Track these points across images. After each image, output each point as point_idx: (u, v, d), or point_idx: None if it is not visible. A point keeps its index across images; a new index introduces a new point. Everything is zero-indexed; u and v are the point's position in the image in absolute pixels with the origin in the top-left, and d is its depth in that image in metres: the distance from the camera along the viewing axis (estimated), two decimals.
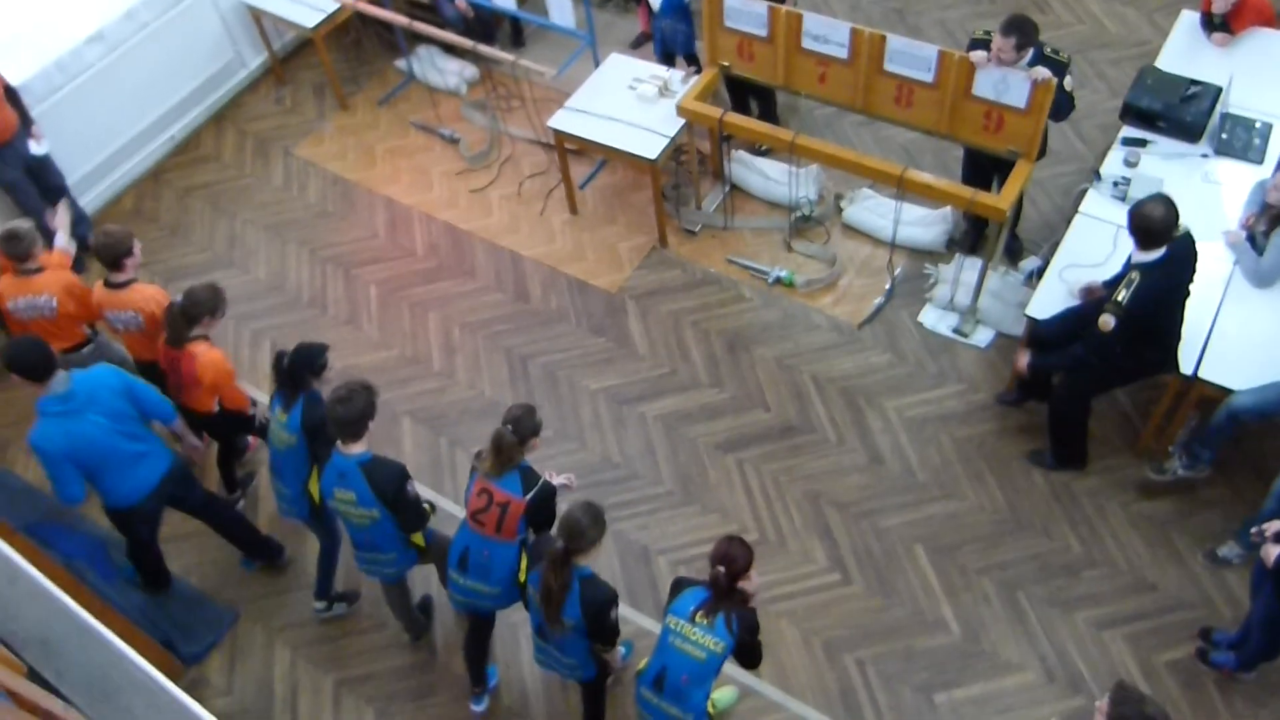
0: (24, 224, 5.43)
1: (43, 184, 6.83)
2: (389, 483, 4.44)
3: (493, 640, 5.08)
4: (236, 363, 6.67)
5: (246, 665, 5.46)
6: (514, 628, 5.36)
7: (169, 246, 7.47)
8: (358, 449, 4.42)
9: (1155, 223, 4.61)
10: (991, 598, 5.28)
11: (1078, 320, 5.13)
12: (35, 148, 6.68)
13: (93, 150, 7.61)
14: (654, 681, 4.13)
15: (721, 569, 3.96)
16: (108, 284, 5.40)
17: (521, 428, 4.33)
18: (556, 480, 4.57)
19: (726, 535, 4.08)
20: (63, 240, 5.83)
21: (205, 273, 7.17)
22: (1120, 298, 4.68)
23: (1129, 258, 4.86)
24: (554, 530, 4.20)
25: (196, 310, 5.05)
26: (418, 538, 4.77)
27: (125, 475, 4.97)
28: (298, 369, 4.77)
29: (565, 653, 4.36)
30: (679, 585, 4.18)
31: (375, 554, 4.77)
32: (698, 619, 4.00)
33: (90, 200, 7.60)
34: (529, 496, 4.34)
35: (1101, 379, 5.29)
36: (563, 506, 4.34)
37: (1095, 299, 5.06)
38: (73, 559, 5.64)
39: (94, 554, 5.80)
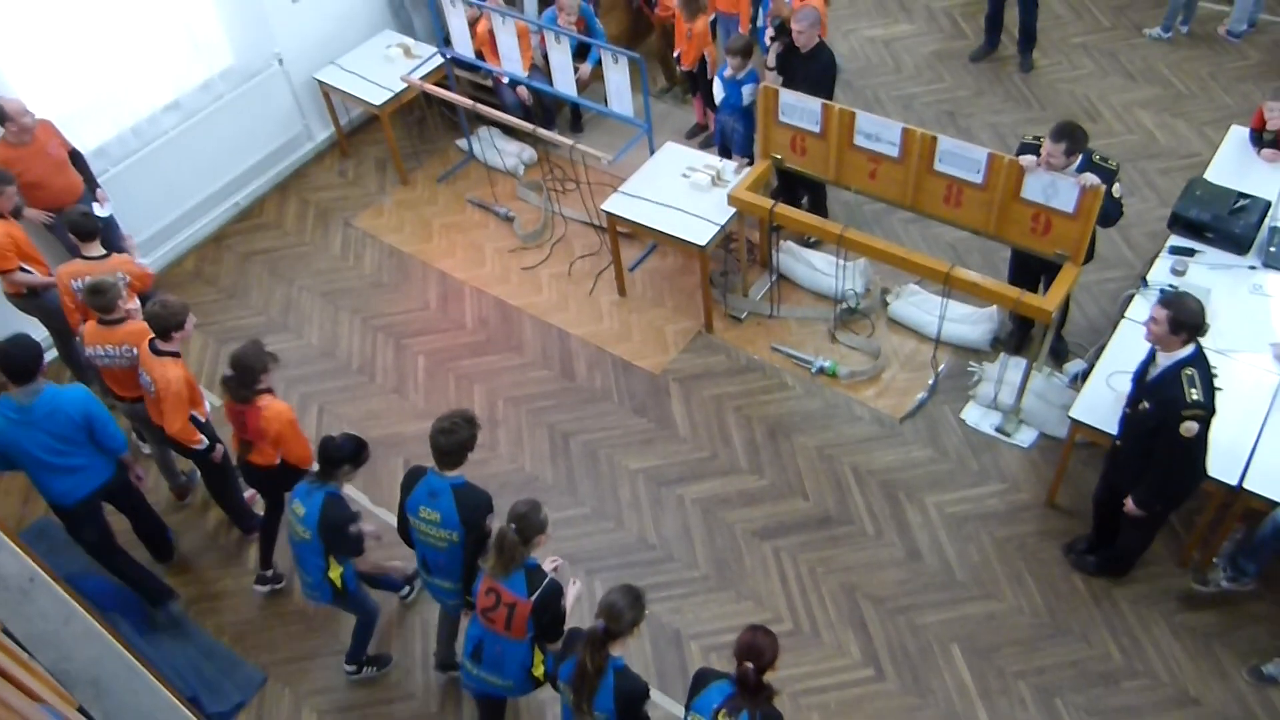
0: (109, 279, 5.60)
1: (104, 246, 7.03)
2: (476, 508, 4.60)
3: None
4: None
5: None
6: (541, 705, 5.32)
7: (225, 309, 7.66)
8: (453, 474, 4.59)
9: (1198, 316, 4.55)
10: (1029, 703, 5.18)
11: (1136, 441, 4.92)
12: (99, 210, 6.88)
13: (160, 213, 7.87)
14: None
15: (750, 665, 3.86)
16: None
17: (526, 525, 4.28)
18: (546, 566, 4.50)
19: (750, 625, 4.00)
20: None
21: (259, 336, 7.31)
22: (1195, 398, 4.52)
23: (1158, 369, 4.73)
24: (595, 613, 4.15)
25: (249, 375, 5.17)
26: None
27: (55, 481, 5.26)
28: (335, 461, 4.88)
29: None
30: (703, 678, 4.08)
31: (443, 580, 4.84)
32: (720, 717, 3.89)
33: (154, 261, 7.81)
34: (534, 597, 4.32)
35: (1189, 491, 5.08)
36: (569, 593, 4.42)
37: (1139, 416, 4.84)
38: (108, 611, 5.70)
39: (128, 607, 5.86)
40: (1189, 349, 4.62)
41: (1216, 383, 4.67)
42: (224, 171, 8.23)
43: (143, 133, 7.58)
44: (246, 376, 5.17)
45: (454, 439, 4.53)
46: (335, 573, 5.00)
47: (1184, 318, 4.54)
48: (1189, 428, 4.56)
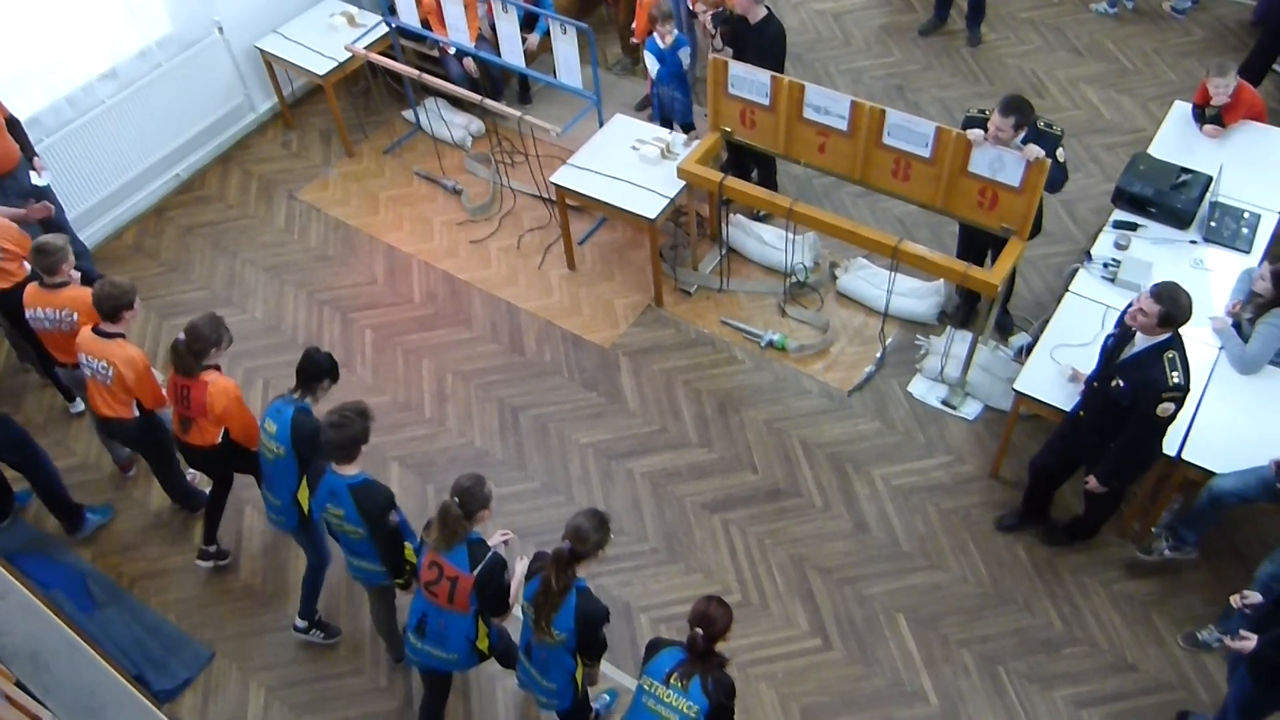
0: (57, 239, 5.52)
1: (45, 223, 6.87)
2: (374, 507, 4.52)
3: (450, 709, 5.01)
4: None
5: (220, 705, 5.40)
6: (491, 679, 5.33)
7: (168, 283, 7.52)
8: (351, 470, 4.51)
9: (1188, 312, 4.58)
10: (971, 670, 5.27)
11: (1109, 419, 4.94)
12: (36, 179, 6.71)
13: (98, 185, 7.69)
14: None
15: (700, 631, 3.92)
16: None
17: (469, 500, 4.25)
18: (496, 539, 4.50)
19: (706, 595, 4.05)
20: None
21: (202, 310, 7.19)
22: (1176, 381, 4.57)
23: (1135, 348, 4.75)
24: (562, 535, 4.15)
25: (202, 345, 5.08)
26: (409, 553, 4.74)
27: None
28: (313, 369, 4.89)
29: (548, 674, 4.33)
30: (655, 646, 4.14)
31: (365, 562, 4.81)
32: (672, 680, 3.95)
33: (92, 234, 7.66)
34: (477, 571, 4.31)
35: (1149, 466, 5.17)
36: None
37: (1110, 393, 4.83)
38: (50, 589, 5.62)
39: (72, 585, 5.79)
40: (1169, 332, 4.66)
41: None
42: (164, 143, 8.03)
43: (78, 102, 7.38)
44: (199, 347, 5.07)
45: (346, 433, 4.43)
46: (304, 494, 4.96)
47: (1175, 314, 4.57)
48: (1166, 409, 4.62)
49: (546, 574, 4.12)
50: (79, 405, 6.58)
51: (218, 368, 5.22)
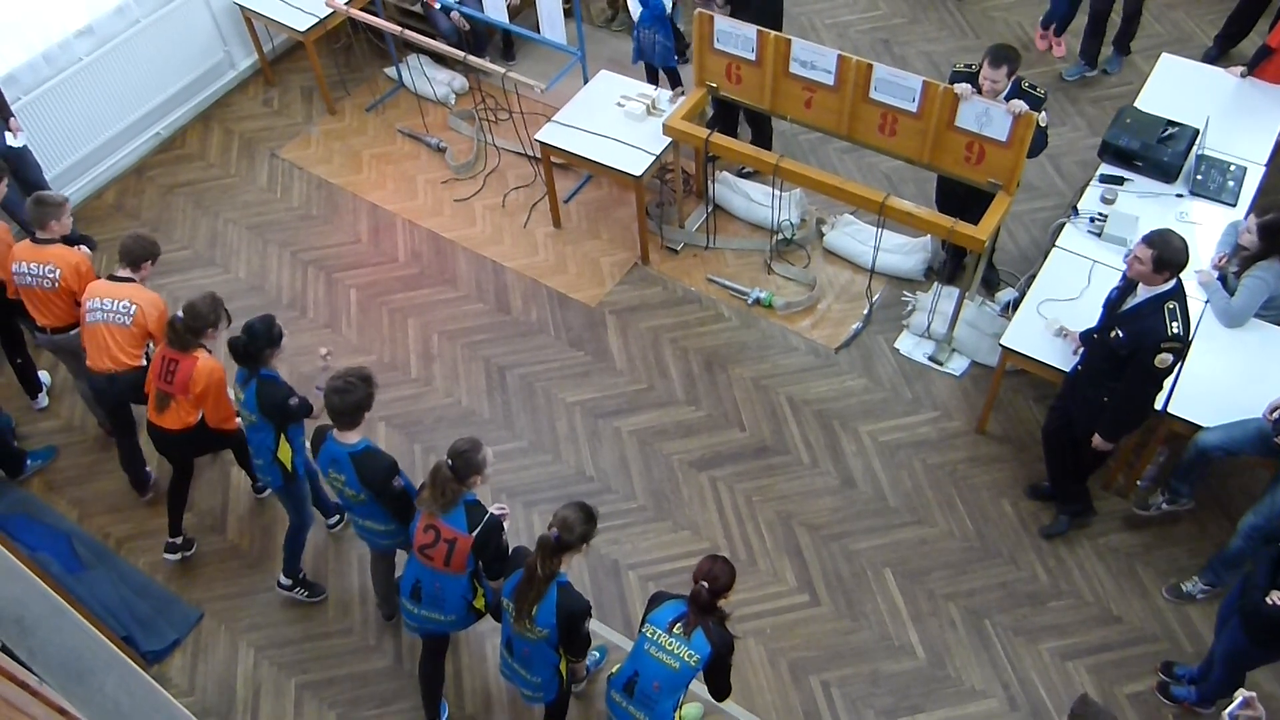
0: (57, 196, 5.61)
1: (20, 177, 6.77)
2: (376, 475, 4.52)
3: (445, 671, 5.04)
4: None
5: (209, 665, 5.41)
6: (481, 636, 5.35)
7: None
8: (353, 438, 4.51)
9: (1182, 254, 4.56)
10: (958, 624, 5.32)
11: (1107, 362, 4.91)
12: (12, 140, 6.62)
13: (77, 144, 7.58)
14: (624, 686, 4.17)
15: (705, 585, 3.98)
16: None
17: (463, 464, 4.25)
18: (494, 509, 4.49)
19: (711, 554, 4.13)
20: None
21: (185, 270, 7.16)
22: (1175, 331, 4.57)
23: (1137, 299, 4.73)
24: (548, 526, 4.16)
25: (200, 324, 5.05)
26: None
27: None
28: (255, 344, 4.83)
29: (531, 669, 4.34)
30: (659, 598, 4.20)
31: (370, 522, 4.80)
32: (675, 630, 4.03)
33: (72, 194, 7.54)
34: (475, 532, 4.31)
35: (1146, 417, 5.15)
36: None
37: (1109, 343, 4.80)
38: (36, 550, 5.61)
39: (57, 547, 5.78)
40: (1171, 283, 4.65)
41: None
42: (143, 101, 7.92)
43: (55, 59, 7.25)
44: (197, 325, 5.04)
45: (349, 399, 4.41)
46: (285, 453, 4.97)
47: (1169, 257, 4.54)
48: (1164, 359, 4.62)
49: (531, 560, 4.11)
50: (43, 400, 6.51)
51: (208, 349, 5.18)
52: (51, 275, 5.51)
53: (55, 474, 6.19)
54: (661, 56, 7.29)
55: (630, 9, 7.22)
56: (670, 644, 4.02)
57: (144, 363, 5.46)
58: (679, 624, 4.03)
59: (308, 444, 4.91)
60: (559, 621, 4.12)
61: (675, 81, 7.32)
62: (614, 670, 4.32)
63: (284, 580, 5.53)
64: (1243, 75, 6.63)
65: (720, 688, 4.21)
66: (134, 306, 5.33)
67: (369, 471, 4.51)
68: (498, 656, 5.25)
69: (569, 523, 4.07)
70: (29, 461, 6.15)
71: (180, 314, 5.06)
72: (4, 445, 6.05)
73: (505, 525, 4.51)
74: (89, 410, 6.30)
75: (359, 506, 4.71)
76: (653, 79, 7.56)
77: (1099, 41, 7.81)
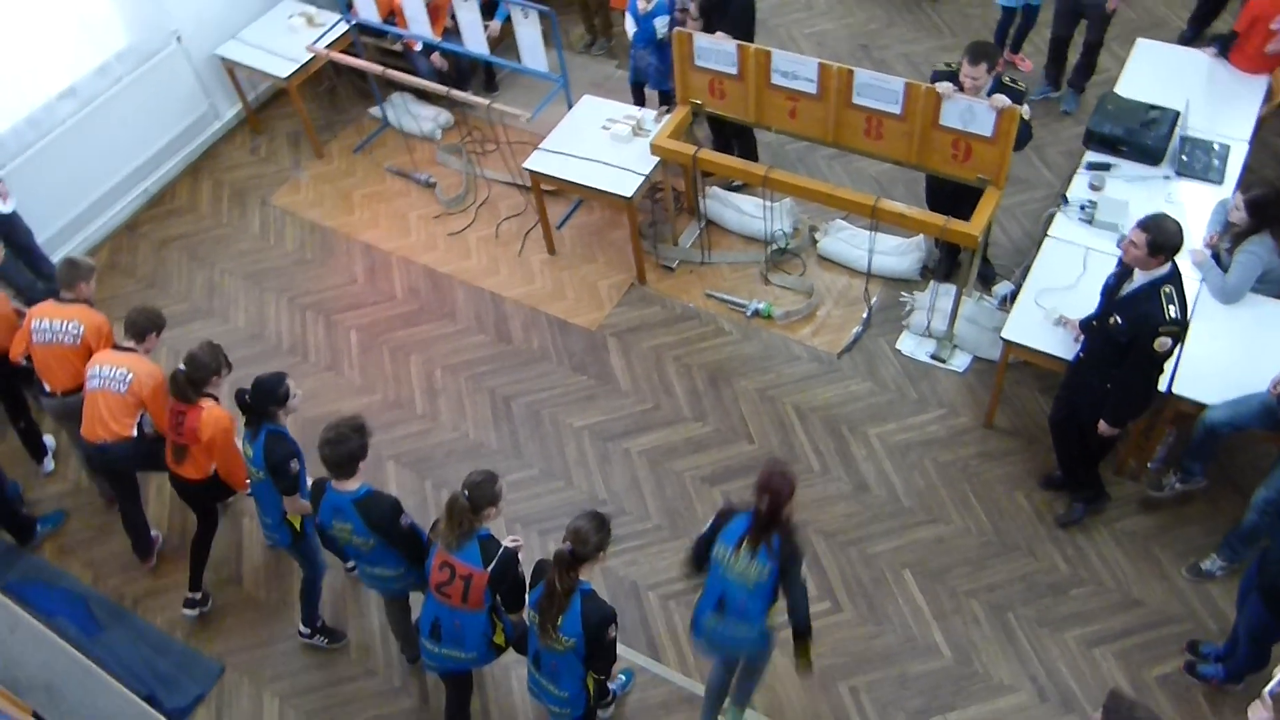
0: (89, 260, 5.71)
1: (11, 242, 6.76)
2: (382, 517, 4.49)
3: (471, 704, 5.01)
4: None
5: (234, 718, 5.38)
6: (505, 669, 5.33)
7: (146, 299, 7.41)
8: (352, 485, 4.47)
9: (1176, 238, 4.59)
10: (981, 620, 5.31)
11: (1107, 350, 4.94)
12: (1, 206, 6.63)
13: (67, 205, 7.61)
14: (716, 606, 4.31)
15: (766, 497, 4.05)
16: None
17: (478, 495, 4.24)
18: (507, 542, 4.47)
19: (770, 460, 4.24)
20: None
21: (185, 323, 7.16)
22: (1173, 315, 4.59)
23: (1134, 284, 4.75)
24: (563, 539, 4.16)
25: (202, 375, 5.05)
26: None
27: None
28: (260, 402, 4.82)
29: (559, 683, 4.32)
30: (727, 512, 4.29)
31: (379, 569, 4.76)
32: (743, 547, 4.14)
33: (64, 254, 7.53)
34: (490, 568, 4.30)
35: (1151, 401, 5.15)
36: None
37: (1109, 330, 4.83)
38: (53, 616, 5.59)
39: (74, 610, 5.76)
40: (1167, 267, 4.67)
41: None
42: (130, 157, 7.96)
43: (39, 123, 7.29)
44: (199, 376, 5.05)
45: (342, 450, 4.38)
46: (294, 515, 4.96)
47: (1163, 240, 4.57)
48: (1163, 343, 4.63)
49: (550, 576, 4.11)
50: (49, 465, 6.48)
51: (215, 398, 5.18)
52: (75, 331, 5.52)
53: (66, 537, 6.17)
54: (655, 79, 7.33)
55: (627, 29, 7.27)
56: (740, 563, 4.16)
57: (135, 434, 5.44)
58: (745, 540, 4.13)
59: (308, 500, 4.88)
60: (585, 629, 4.10)
61: (669, 103, 7.35)
62: (698, 597, 4.43)
63: (303, 629, 5.52)
64: (1215, 55, 6.67)
65: (796, 605, 4.34)
66: (130, 374, 5.33)
67: (375, 514, 4.48)
68: (524, 689, 5.23)
69: (582, 534, 4.06)
70: (39, 527, 6.13)
71: (182, 365, 5.06)
72: (13, 513, 6.03)
73: (520, 557, 4.50)
74: (89, 480, 6.28)
75: (369, 554, 4.66)
76: (639, 100, 7.60)
77: (1061, 65, 7.75)
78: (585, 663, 4.25)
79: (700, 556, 4.38)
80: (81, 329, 5.52)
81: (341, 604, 5.72)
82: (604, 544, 4.12)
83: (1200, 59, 6.72)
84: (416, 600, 5.12)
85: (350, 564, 5.79)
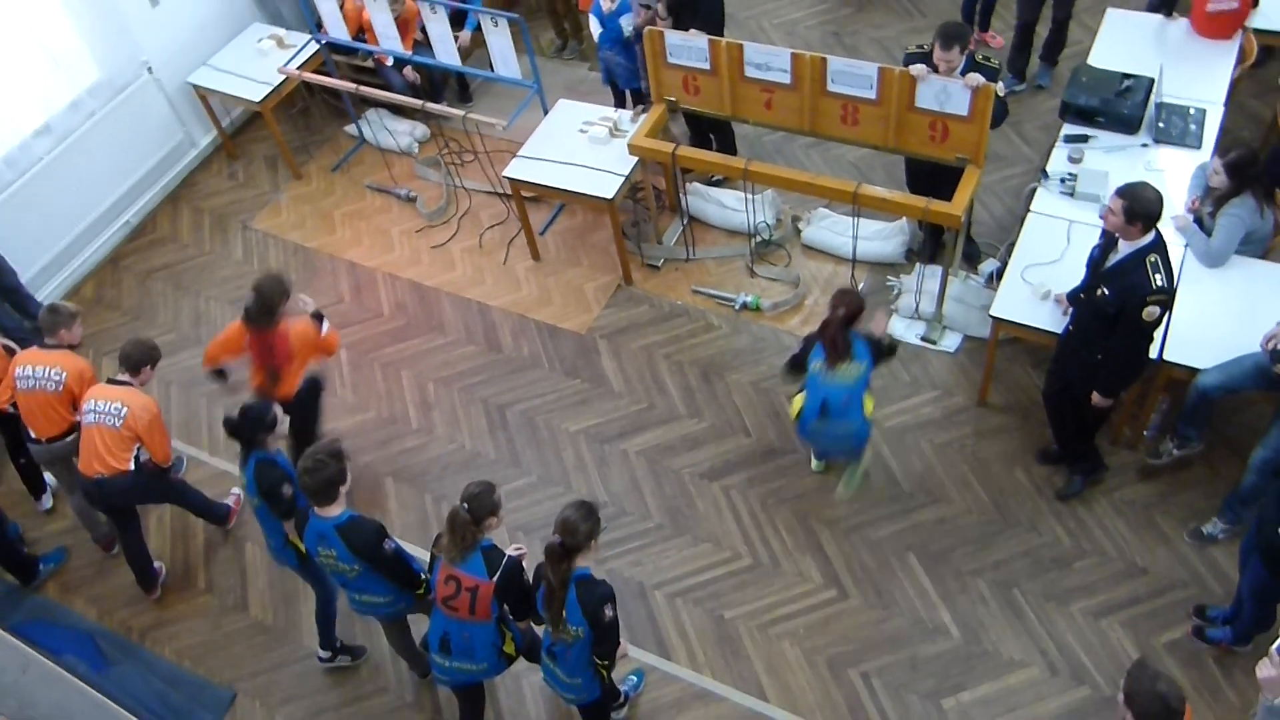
0: (70, 306, 5.72)
1: None
2: (365, 542, 4.46)
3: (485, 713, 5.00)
4: (211, 438, 6.66)
5: None
6: (517, 677, 5.33)
7: (134, 331, 7.40)
8: (334, 511, 4.44)
9: (1154, 205, 4.57)
10: (988, 598, 5.32)
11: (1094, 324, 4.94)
12: None
13: (48, 243, 7.59)
14: (820, 411, 5.11)
15: (841, 311, 4.97)
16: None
17: (478, 505, 4.22)
18: (510, 551, 4.46)
19: (841, 288, 5.17)
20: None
21: (174, 353, 7.13)
22: (1159, 284, 4.59)
23: (1119, 255, 4.74)
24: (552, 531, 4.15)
25: (273, 300, 5.36)
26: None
27: None
28: (249, 430, 4.83)
29: (571, 671, 4.33)
30: (813, 338, 5.18)
31: (368, 596, 4.75)
32: (824, 370, 5.07)
33: (49, 293, 7.54)
34: (496, 578, 4.29)
35: (1143, 370, 5.17)
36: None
37: (1096, 302, 4.84)
38: (61, 654, 5.56)
39: (82, 648, 5.73)
40: (1150, 236, 4.66)
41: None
42: (108, 191, 7.94)
43: (15, 162, 7.26)
44: (270, 301, 5.33)
45: (320, 477, 4.35)
46: (296, 538, 4.93)
47: (1139, 207, 4.56)
48: (1151, 312, 4.63)
49: (546, 574, 4.11)
50: (47, 502, 6.47)
51: (288, 316, 5.48)
52: (57, 378, 5.50)
53: (69, 574, 6.16)
54: (624, 78, 7.34)
55: (591, 30, 7.27)
56: (839, 370, 5.03)
57: (132, 468, 5.43)
58: (822, 364, 5.07)
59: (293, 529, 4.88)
60: (584, 614, 4.10)
61: (641, 102, 7.37)
62: (798, 409, 5.27)
63: (323, 653, 5.49)
64: (1165, 19, 6.68)
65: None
66: (125, 409, 5.33)
67: (357, 540, 4.45)
68: (536, 698, 5.26)
69: (570, 524, 4.04)
70: (41, 566, 6.11)
71: (253, 296, 5.38)
72: (15, 553, 6.01)
73: (524, 564, 4.50)
74: (82, 526, 6.19)
75: (355, 580, 4.63)
76: (619, 101, 7.60)
77: (1026, 54, 7.68)
78: (593, 648, 4.25)
79: (795, 366, 5.31)
80: (64, 375, 5.51)
81: (349, 620, 5.69)
82: (594, 532, 4.10)
83: (1170, 26, 6.74)
84: (415, 621, 5.13)
85: None
